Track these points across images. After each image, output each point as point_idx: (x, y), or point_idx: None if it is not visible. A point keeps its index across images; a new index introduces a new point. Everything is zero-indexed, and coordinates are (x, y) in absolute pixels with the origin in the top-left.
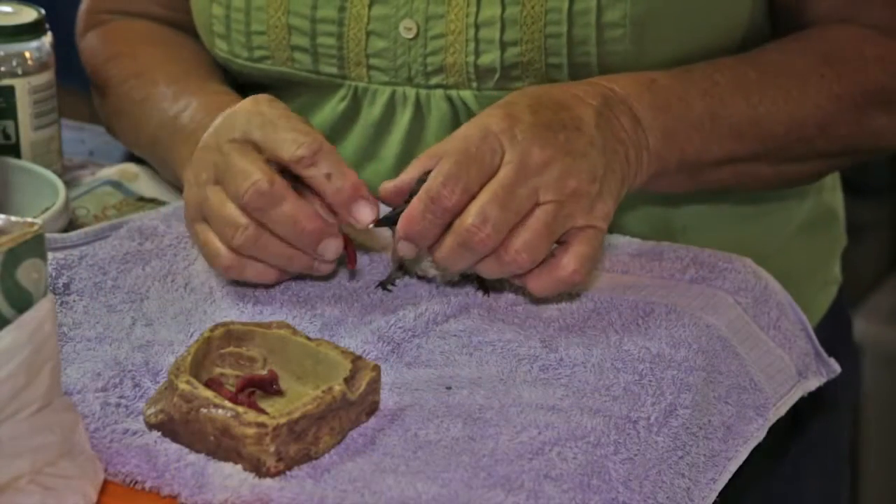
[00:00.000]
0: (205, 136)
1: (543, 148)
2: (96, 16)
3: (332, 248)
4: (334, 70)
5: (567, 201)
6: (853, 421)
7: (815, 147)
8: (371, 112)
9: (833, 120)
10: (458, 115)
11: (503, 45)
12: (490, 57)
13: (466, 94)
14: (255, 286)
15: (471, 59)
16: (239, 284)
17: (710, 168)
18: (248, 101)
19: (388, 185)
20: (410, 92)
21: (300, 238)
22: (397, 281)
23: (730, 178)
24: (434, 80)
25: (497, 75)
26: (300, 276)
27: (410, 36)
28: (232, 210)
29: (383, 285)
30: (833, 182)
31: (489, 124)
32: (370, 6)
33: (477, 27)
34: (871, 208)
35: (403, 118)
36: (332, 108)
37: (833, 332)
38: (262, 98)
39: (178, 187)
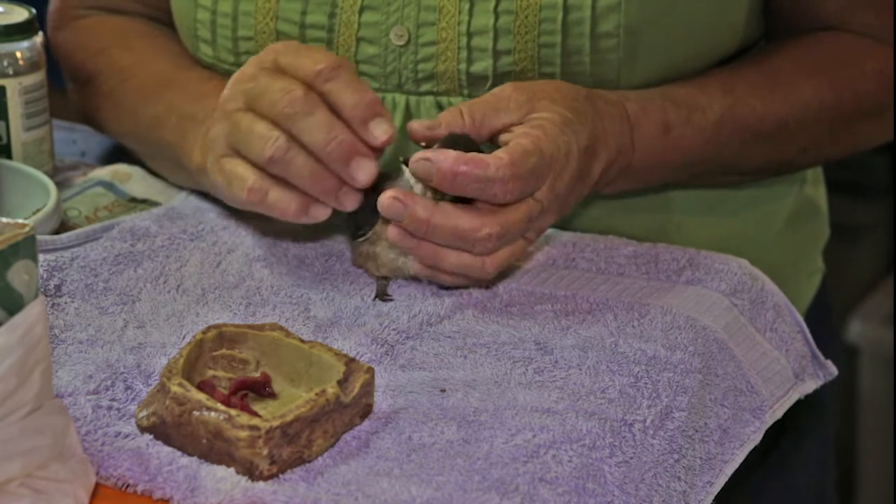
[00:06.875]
0: (233, 76)
1: (567, 207)
2: (72, 11)
3: (365, 168)
4: None
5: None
6: (850, 423)
7: (793, 167)
8: None
9: (823, 147)
10: None
11: (496, 54)
12: (482, 65)
13: (457, 101)
14: (245, 290)
15: (463, 66)
16: (231, 286)
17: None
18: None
19: (416, 126)
20: (400, 98)
21: (332, 150)
22: (389, 286)
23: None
24: (424, 87)
25: (489, 83)
26: (295, 275)
27: (401, 43)
28: (264, 125)
29: (380, 298)
30: (815, 176)
31: (570, 152)
32: (360, 12)
33: (469, 35)
34: (869, 210)
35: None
36: None
37: (819, 323)
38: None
39: (170, 183)
